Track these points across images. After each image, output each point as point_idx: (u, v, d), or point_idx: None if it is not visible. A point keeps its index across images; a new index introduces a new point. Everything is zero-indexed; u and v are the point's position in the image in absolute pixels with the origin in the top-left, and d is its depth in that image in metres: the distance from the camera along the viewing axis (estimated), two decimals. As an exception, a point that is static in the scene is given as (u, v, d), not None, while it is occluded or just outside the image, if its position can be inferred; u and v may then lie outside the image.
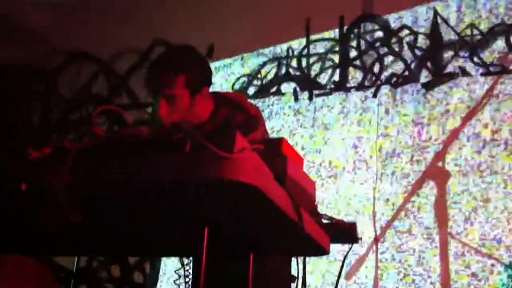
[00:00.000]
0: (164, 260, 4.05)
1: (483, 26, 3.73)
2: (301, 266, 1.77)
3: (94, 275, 4.00)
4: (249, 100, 4.32)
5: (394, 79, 3.91)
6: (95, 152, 1.27)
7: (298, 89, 4.23)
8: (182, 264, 1.88)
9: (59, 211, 1.17)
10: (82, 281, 3.51)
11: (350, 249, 1.74)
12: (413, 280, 3.40)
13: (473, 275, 3.24)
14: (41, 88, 4.90)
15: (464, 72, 3.69)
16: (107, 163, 1.24)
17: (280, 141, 1.49)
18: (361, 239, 1.75)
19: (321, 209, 3.66)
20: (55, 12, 4.77)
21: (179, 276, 1.80)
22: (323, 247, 1.63)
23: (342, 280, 3.61)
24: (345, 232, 1.72)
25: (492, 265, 3.22)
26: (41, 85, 4.90)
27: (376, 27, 4.09)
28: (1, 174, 1.26)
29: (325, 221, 1.68)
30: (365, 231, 3.61)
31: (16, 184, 1.23)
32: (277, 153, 1.46)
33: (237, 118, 2.20)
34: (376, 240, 3.54)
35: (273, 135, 4.14)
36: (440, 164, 3.61)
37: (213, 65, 4.64)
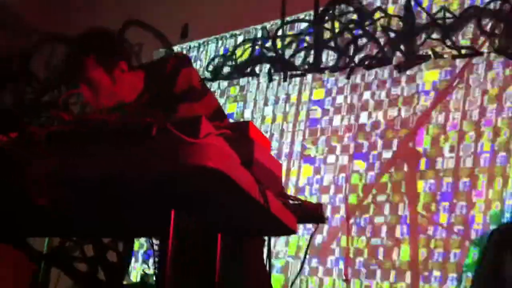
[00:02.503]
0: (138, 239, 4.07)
1: (456, 9, 3.77)
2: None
3: (67, 255, 4.00)
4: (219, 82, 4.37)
5: (368, 61, 3.95)
6: (62, 137, 1.28)
7: (272, 70, 4.25)
8: (151, 245, 1.91)
9: (25, 195, 1.18)
10: (54, 261, 3.50)
11: (316, 229, 1.78)
12: (384, 259, 3.48)
13: (442, 252, 3.33)
14: (15, 69, 4.85)
15: (436, 54, 3.74)
16: (74, 150, 1.25)
17: (246, 124, 1.51)
18: (327, 219, 1.79)
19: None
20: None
21: (149, 257, 1.83)
22: (290, 228, 1.67)
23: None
24: (312, 213, 1.75)
25: (460, 241, 3.32)
26: (15, 65, 4.85)
27: (351, 9, 4.11)
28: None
29: (292, 202, 1.71)
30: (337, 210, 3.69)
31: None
32: (244, 137, 1.48)
33: (168, 66, 2.20)
34: (348, 218, 3.60)
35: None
36: (410, 144, 3.68)
37: (187, 45, 4.63)
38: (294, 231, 1.71)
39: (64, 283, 3.91)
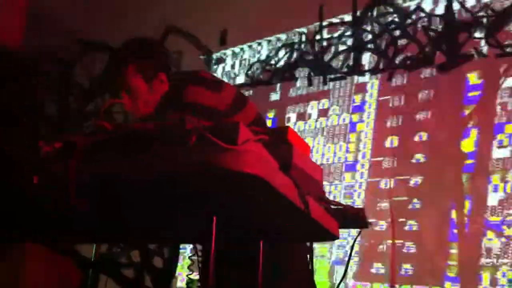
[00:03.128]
0: (183, 245, 4.11)
1: (498, 7, 3.69)
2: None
3: (114, 261, 4.08)
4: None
5: (409, 62, 3.89)
6: (103, 145, 1.31)
7: (311, 74, 4.24)
8: (196, 251, 1.93)
9: (67, 202, 1.21)
10: (102, 267, 3.58)
11: (359, 234, 1.77)
12: (432, 263, 3.42)
13: (490, 252, 3.25)
14: (60, 78, 4.96)
15: (479, 53, 3.66)
16: (115, 157, 1.28)
17: (285, 129, 1.51)
18: (371, 224, 1.77)
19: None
20: (70, 2, 4.83)
21: (193, 262, 1.85)
22: (332, 233, 1.66)
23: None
24: (354, 218, 1.74)
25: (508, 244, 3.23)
26: (60, 74, 4.96)
27: (390, 10, 4.07)
28: (15, 168, 1.31)
29: (333, 207, 1.70)
30: (382, 213, 3.64)
31: (29, 177, 1.28)
32: (282, 142, 1.48)
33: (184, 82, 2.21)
34: (393, 222, 3.56)
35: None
36: (456, 147, 3.60)
37: (226, 52, 4.66)
38: (336, 236, 1.70)
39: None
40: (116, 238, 2.07)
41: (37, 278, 3.49)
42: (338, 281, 3.66)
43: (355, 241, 1.82)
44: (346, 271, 1.92)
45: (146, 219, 1.52)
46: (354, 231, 3.37)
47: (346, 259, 3.58)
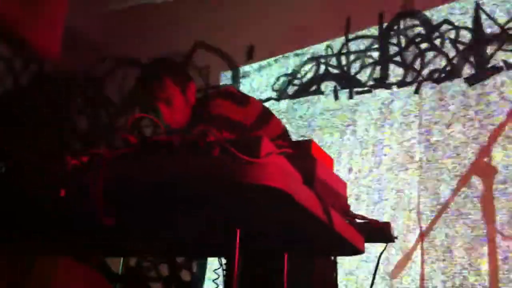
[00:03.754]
0: (210, 259, 4.12)
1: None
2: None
3: (143, 275, 4.11)
4: (287, 100, 4.38)
5: (436, 74, 3.86)
6: (128, 159, 1.33)
7: (338, 87, 4.23)
8: (221, 264, 1.93)
9: (94, 216, 1.23)
10: (130, 281, 3.62)
11: (385, 248, 1.75)
12: (462, 278, 3.36)
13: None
14: (91, 94, 5.06)
15: (508, 65, 3.61)
16: (139, 169, 1.30)
17: (309, 143, 1.52)
18: (396, 238, 1.75)
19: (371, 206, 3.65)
20: (102, 19, 4.92)
21: (218, 276, 1.85)
22: (357, 247, 1.65)
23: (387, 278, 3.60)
24: (379, 232, 1.73)
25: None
26: (91, 90, 5.06)
27: (416, 22, 4.05)
28: (43, 181, 1.34)
29: (359, 221, 1.69)
30: (410, 229, 3.60)
31: (56, 190, 1.31)
32: (306, 155, 1.49)
33: (218, 110, 2.26)
34: (422, 237, 3.51)
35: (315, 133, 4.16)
36: (486, 159, 3.54)
37: (253, 66, 4.69)
38: (361, 251, 1.69)
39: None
40: (139, 251, 2.09)
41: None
42: (365, 296, 3.62)
43: (380, 255, 1.80)
44: (372, 285, 1.89)
45: (170, 232, 1.53)
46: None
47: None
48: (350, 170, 4.01)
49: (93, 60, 4.87)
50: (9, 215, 1.51)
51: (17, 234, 1.68)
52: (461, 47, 3.82)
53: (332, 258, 2.28)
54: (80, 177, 1.31)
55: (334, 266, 2.15)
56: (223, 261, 1.94)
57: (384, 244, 1.76)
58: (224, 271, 1.85)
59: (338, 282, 2.36)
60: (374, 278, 1.79)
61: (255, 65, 4.66)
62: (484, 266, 3.31)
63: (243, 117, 2.27)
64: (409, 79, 3.96)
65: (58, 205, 1.33)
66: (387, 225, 1.73)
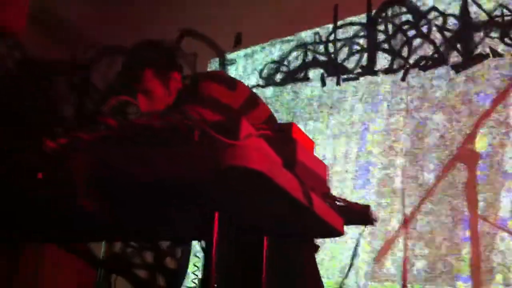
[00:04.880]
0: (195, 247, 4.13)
1: (514, 6, 3.65)
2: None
3: (127, 261, 4.12)
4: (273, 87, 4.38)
5: (423, 62, 3.87)
6: (108, 142, 1.33)
7: (325, 74, 4.23)
8: (202, 248, 1.94)
9: (74, 200, 1.23)
10: (115, 267, 3.62)
11: (363, 230, 1.76)
12: (444, 263, 3.39)
13: (503, 253, 3.21)
14: (76, 81, 5.03)
15: (494, 53, 3.63)
16: (120, 153, 1.30)
17: (289, 125, 1.52)
18: (376, 221, 1.77)
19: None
20: (89, 6, 4.89)
21: (199, 259, 1.86)
22: (337, 229, 1.66)
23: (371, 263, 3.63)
24: (359, 214, 1.74)
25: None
26: (77, 78, 5.03)
27: (404, 10, 4.05)
28: (19, 164, 1.33)
29: (338, 203, 1.70)
30: (394, 214, 3.62)
31: (33, 173, 1.30)
32: (286, 138, 1.49)
33: (209, 91, 2.24)
34: (406, 222, 3.54)
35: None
36: (470, 146, 3.57)
37: (240, 53, 4.68)
38: (340, 233, 1.70)
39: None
40: (117, 237, 2.09)
41: (55, 281, 3.54)
42: (350, 281, 3.65)
43: (359, 238, 1.81)
44: (350, 266, 1.91)
45: (146, 216, 1.53)
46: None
47: (357, 260, 3.58)
48: (334, 156, 4.02)
49: (79, 48, 4.84)
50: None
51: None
52: (448, 34, 3.83)
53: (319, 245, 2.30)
54: (58, 160, 1.30)
55: (315, 250, 2.16)
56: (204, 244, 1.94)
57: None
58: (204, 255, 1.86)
59: (321, 267, 2.38)
60: (352, 260, 1.80)
61: (242, 53, 4.66)
62: (466, 251, 3.34)
63: (232, 100, 2.26)
64: (396, 66, 3.97)
65: (35, 188, 1.33)
66: (367, 208, 1.74)
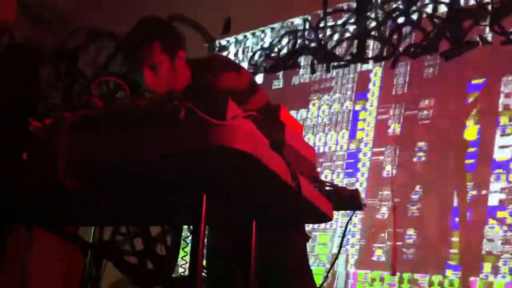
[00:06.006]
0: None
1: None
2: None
3: (117, 249, 4.11)
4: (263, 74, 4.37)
5: (413, 49, 3.86)
6: (93, 122, 1.31)
7: (315, 61, 4.22)
8: (191, 232, 1.92)
9: (57, 179, 1.21)
10: (105, 253, 3.60)
11: (352, 215, 1.76)
12: (434, 250, 3.40)
13: (492, 242, 3.23)
14: (64, 68, 4.99)
15: (484, 40, 3.62)
16: (105, 134, 1.28)
17: (278, 108, 1.51)
18: (365, 205, 1.76)
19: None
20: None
21: (187, 244, 1.84)
22: (326, 214, 1.65)
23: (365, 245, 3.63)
24: (348, 199, 1.73)
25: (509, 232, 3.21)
26: (63, 64, 4.99)
27: (394, -4, 4.04)
28: (3, 144, 1.31)
29: (327, 188, 1.70)
30: (384, 201, 3.63)
31: (17, 153, 1.28)
32: (274, 120, 1.48)
33: (210, 67, 2.24)
34: (395, 210, 3.54)
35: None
36: (459, 134, 3.57)
37: (230, 39, 4.65)
38: (329, 218, 1.69)
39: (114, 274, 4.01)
40: (105, 221, 2.07)
41: (44, 262, 3.51)
42: (339, 268, 3.65)
43: (348, 223, 1.81)
44: (338, 255, 1.90)
45: (134, 199, 1.52)
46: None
47: (348, 246, 3.59)
48: (325, 143, 4.02)
49: (66, 33, 4.80)
50: None
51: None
52: (437, 21, 3.82)
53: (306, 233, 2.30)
54: (42, 139, 1.28)
55: (307, 240, 2.17)
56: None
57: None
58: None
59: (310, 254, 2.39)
60: (341, 245, 1.80)
61: (232, 39, 4.63)
62: (456, 239, 3.35)
63: (242, 85, 2.28)
64: (386, 53, 3.95)
65: (19, 169, 1.31)
66: (355, 192, 1.73)
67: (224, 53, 4.63)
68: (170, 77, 2.23)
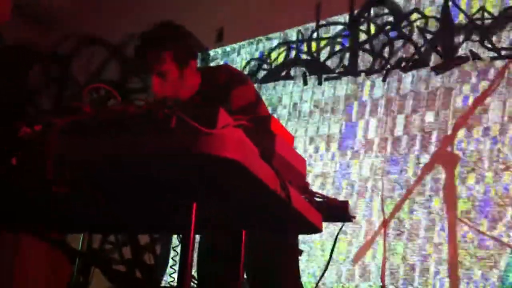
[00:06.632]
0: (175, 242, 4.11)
1: (495, 10, 3.68)
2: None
3: (105, 257, 4.08)
4: (256, 85, 4.38)
5: (404, 63, 3.89)
6: (82, 127, 1.30)
7: (307, 73, 4.23)
8: (180, 241, 1.92)
9: (46, 182, 1.20)
10: (93, 262, 3.58)
11: (341, 227, 1.76)
12: (423, 263, 3.41)
13: (481, 258, 3.24)
14: (56, 73, 4.98)
15: (474, 56, 3.65)
16: (92, 139, 1.27)
17: (268, 118, 1.51)
18: (354, 217, 1.76)
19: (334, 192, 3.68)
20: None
21: (177, 253, 1.84)
22: (315, 225, 1.64)
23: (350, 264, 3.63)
24: (338, 211, 1.73)
25: (501, 248, 3.21)
26: (56, 69, 4.98)
27: (386, 10, 4.07)
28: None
29: (317, 199, 1.69)
30: (374, 215, 3.64)
31: (6, 158, 1.28)
32: (265, 131, 1.48)
33: (221, 78, 2.29)
34: (385, 222, 3.55)
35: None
36: (449, 148, 3.59)
37: (223, 49, 4.66)
38: (319, 229, 1.69)
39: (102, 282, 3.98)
40: (94, 228, 2.06)
41: (30, 268, 3.48)
42: (332, 281, 3.65)
43: (337, 235, 1.80)
44: (326, 267, 1.90)
45: (122, 207, 1.51)
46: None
47: (336, 259, 3.59)
48: (312, 156, 4.03)
49: (60, 37, 4.79)
50: None
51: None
52: (429, 36, 3.86)
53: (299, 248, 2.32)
54: (32, 144, 1.28)
55: (299, 254, 2.19)
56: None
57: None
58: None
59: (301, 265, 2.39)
60: (330, 257, 1.80)
61: (226, 48, 4.64)
62: (445, 253, 3.36)
63: (251, 96, 2.32)
64: (377, 66, 3.98)
65: (7, 175, 1.30)
66: (345, 204, 1.73)
67: (215, 63, 4.64)
68: (177, 85, 2.26)
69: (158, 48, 2.22)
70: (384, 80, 3.92)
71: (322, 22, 4.28)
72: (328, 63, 4.20)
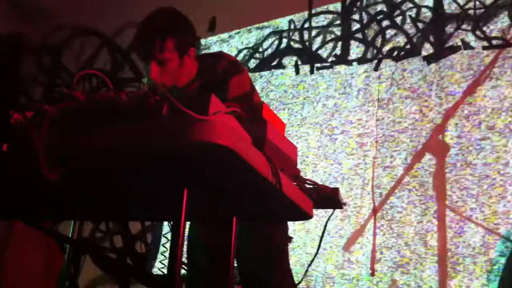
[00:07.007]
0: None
1: (487, -1, 3.70)
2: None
3: (96, 245, 4.08)
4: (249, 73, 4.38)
5: (396, 52, 3.90)
6: (74, 115, 1.30)
7: (299, 62, 4.23)
8: (171, 229, 1.93)
9: (37, 170, 1.21)
10: (84, 249, 3.59)
11: (332, 214, 1.77)
12: (413, 252, 3.43)
13: (472, 247, 3.27)
14: (47, 62, 4.96)
15: (466, 45, 3.67)
16: (84, 127, 1.28)
17: (260, 105, 1.51)
18: (345, 204, 1.77)
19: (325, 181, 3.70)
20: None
21: (168, 240, 1.85)
22: (306, 212, 1.66)
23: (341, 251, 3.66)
24: (328, 197, 1.74)
25: (490, 236, 3.24)
26: (47, 59, 4.96)
27: (379, 0, 4.07)
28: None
29: (308, 186, 1.70)
30: (364, 203, 3.66)
31: (-2, 146, 1.28)
32: (257, 118, 1.48)
33: (219, 66, 2.28)
34: (375, 211, 3.57)
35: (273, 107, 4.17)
36: (439, 137, 3.61)
37: (214, 38, 4.65)
38: (309, 216, 1.70)
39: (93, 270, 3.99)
40: (86, 215, 2.06)
41: (23, 255, 3.49)
42: (322, 269, 3.67)
43: (327, 222, 1.82)
44: (316, 254, 1.92)
45: (113, 193, 1.51)
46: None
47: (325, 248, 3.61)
48: (308, 145, 4.04)
49: (51, 28, 4.76)
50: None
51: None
52: (421, 25, 3.86)
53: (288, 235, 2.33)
54: (23, 131, 1.28)
55: (289, 241, 2.20)
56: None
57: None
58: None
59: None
60: (319, 244, 1.81)
61: (217, 38, 4.63)
62: (434, 241, 3.39)
63: (246, 84, 2.32)
64: (369, 56, 3.99)
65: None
66: (336, 191, 1.74)
67: (208, 52, 4.62)
68: (176, 73, 2.24)
69: (161, 37, 2.17)
70: (376, 69, 3.93)
71: (314, 11, 4.27)
72: (320, 52, 4.20)
